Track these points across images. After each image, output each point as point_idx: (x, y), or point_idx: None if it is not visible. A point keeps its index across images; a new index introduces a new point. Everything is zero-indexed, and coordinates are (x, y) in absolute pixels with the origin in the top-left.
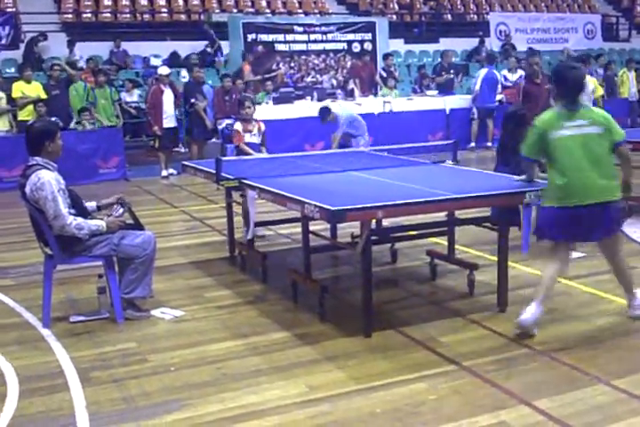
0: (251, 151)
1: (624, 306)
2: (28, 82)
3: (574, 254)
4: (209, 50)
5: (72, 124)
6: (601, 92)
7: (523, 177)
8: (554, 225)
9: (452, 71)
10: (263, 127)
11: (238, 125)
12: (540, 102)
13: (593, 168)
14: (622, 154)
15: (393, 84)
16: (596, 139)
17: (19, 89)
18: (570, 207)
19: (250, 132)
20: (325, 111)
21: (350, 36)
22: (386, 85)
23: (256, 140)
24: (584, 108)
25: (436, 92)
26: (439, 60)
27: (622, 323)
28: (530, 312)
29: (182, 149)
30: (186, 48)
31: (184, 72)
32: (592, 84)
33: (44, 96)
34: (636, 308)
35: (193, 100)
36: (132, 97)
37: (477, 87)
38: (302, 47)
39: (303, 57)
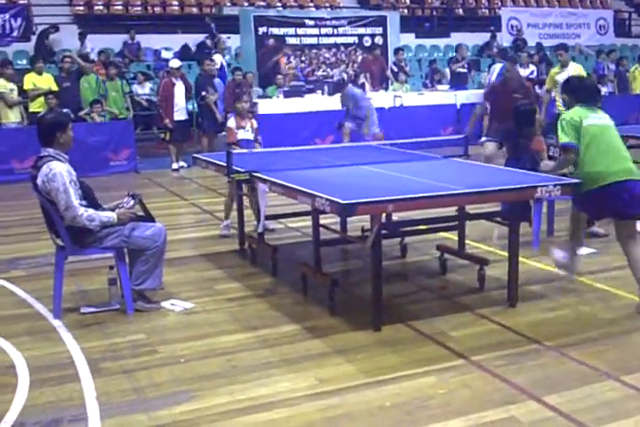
0: (240, 150)
1: (634, 302)
2: (40, 74)
3: (585, 250)
4: (208, 42)
5: (81, 113)
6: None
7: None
8: (589, 206)
9: (465, 65)
10: (255, 124)
11: (232, 122)
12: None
13: (619, 153)
14: None
15: (404, 79)
16: (615, 129)
17: (30, 81)
18: (602, 187)
19: (243, 128)
20: (340, 84)
21: (361, 30)
22: (397, 80)
23: (250, 136)
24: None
25: (447, 86)
26: (452, 54)
27: (632, 319)
28: None
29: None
30: (197, 41)
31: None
32: (575, 69)
33: (55, 88)
34: None
35: (204, 93)
36: (144, 89)
37: (491, 82)
38: (313, 41)
39: (314, 51)
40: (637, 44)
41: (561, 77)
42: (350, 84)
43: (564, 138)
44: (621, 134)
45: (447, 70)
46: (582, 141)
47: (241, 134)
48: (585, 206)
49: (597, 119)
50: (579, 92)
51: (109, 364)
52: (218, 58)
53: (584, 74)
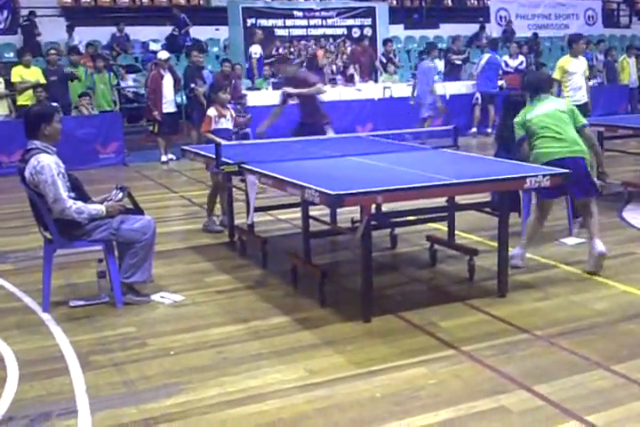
0: (217, 140)
1: (624, 292)
2: (28, 67)
3: (574, 240)
4: (175, 33)
5: (72, 110)
6: (587, 73)
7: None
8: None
9: (461, 57)
10: (234, 113)
11: (212, 111)
12: None
13: (562, 136)
14: (585, 135)
15: (393, 70)
16: (562, 113)
17: (18, 74)
18: (548, 163)
19: (224, 117)
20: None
21: (350, 22)
22: (386, 71)
23: (230, 125)
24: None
25: (436, 77)
26: (443, 44)
27: (621, 308)
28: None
29: None
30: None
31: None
32: (584, 64)
33: (43, 81)
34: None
35: (193, 85)
36: (128, 82)
37: (478, 71)
38: (302, 32)
39: (303, 42)
40: (626, 35)
41: (573, 68)
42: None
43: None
44: (611, 124)
45: (438, 61)
46: (532, 130)
47: (222, 124)
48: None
49: (541, 110)
50: (533, 85)
51: (99, 357)
52: (256, 48)
53: (587, 71)
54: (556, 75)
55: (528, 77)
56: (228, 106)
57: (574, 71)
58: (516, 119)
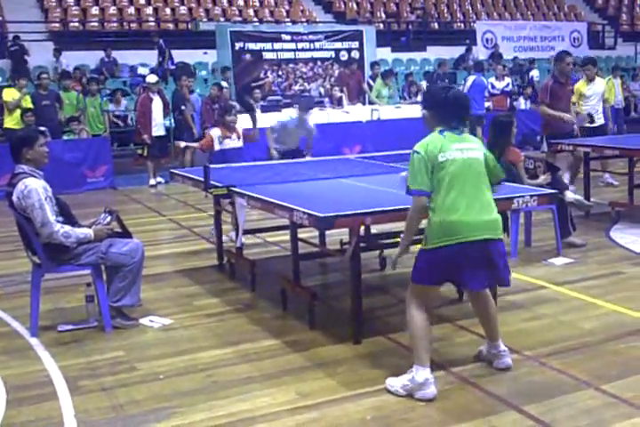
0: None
1: (613, 311)
2: (20, 91)
3: (563, 260)
4: (160, 61)
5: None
6: (606, 95)
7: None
8: (432, 267)
9: (446, 80)
10: (240, 132)
11: (216, 131)
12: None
13: (483, 199)
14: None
15: (391, 81)
16: (483, 164)
17: (10, 95)
18: (452, 245)
19: (229, 137)
20: None
21: (338, 45)
22: (384, 81)
23: (237, 144)
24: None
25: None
26: (429, 67)
27: (611, 328)
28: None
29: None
30: (173, 57)
31: None
32: (601, 87)
33: (30, 106)
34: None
35: (183, 108)
36: (119, 106)
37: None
38: (290, 55)
39: (291, 65)
40: (611, 56)
41: (590, 91)
42: None
43: (412, 183)
44: (597, 145)
45: (423, 83)
46: (441, 183)
47: (228, 144)
48: (430, 270)
49: (460, 151)
50: (443, 108)
51: (88, 382)
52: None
53: (604, 89)
54: (574, 98)
55: (443, 95)
56: (236, 127)
57: (590, 95)
58: (422, 154)
